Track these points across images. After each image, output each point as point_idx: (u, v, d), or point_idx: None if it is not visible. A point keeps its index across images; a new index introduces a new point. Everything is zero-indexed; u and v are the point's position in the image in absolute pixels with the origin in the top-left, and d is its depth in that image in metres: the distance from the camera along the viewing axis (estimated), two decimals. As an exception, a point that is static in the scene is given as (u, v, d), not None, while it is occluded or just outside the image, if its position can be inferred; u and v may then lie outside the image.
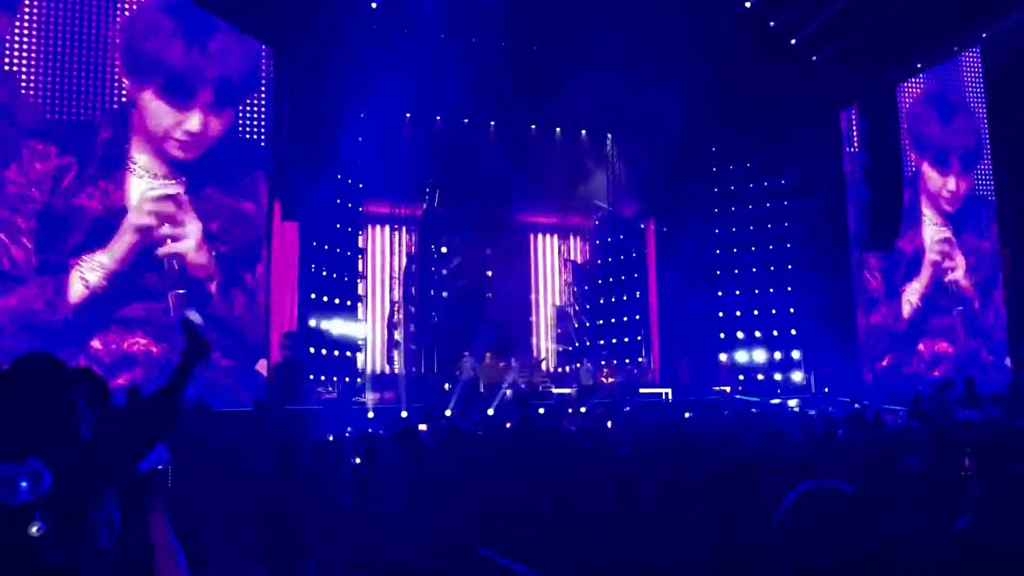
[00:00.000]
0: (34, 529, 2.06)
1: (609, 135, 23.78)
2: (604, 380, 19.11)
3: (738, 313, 21.54)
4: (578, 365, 20.62)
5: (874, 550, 1.85)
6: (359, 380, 18.61)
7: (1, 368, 2.40)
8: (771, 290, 20.87)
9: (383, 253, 22.15)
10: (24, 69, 14.50)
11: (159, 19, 15.36)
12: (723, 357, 20.74)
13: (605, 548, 4.34)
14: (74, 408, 2.37)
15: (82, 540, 2.22)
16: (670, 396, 18.35)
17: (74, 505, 2.19)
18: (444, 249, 22.32)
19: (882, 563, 1.85)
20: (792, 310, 20.43)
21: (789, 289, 20.42)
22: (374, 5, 16.26)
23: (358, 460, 8.30)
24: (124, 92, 14.99)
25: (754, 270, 20.88)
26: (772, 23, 17.73)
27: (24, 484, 2.10)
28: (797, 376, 20.09)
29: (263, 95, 16.04)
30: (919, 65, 19.26)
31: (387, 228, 22.26)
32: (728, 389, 19.31)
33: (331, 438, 11.46)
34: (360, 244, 19.74)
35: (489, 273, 23.08)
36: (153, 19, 15.34)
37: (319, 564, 6.55)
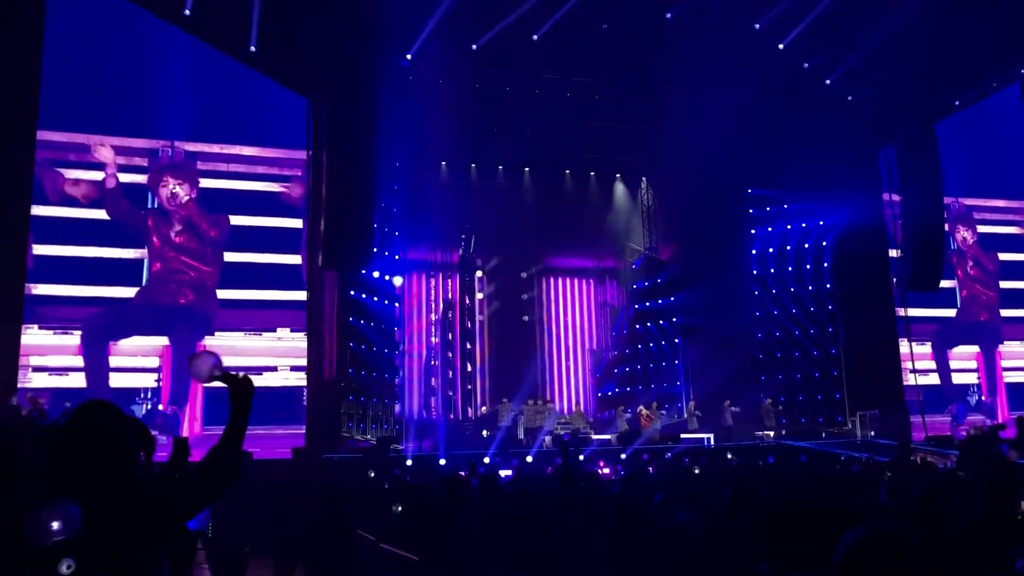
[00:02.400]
0: (64, 567, 2.04)
1: (644, 179, 23.84)
2: (645, 423, 18.90)
3: (779, 354, 21.26)
4: (618, 411, 20.41)
5: None
6: (396, 427, 18.60)
7: (68, 413, 2.43)
8: (811, 331, 20.57)
9: (420, 300, 22.28)
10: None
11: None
12: (769, 402, 20.33)
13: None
14: (133, 458, 2.39)
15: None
16: (712, 441, 18.07)
17: (111, 551, 2.19)
18: (480, 295, 22.40)
19: None
20: (833, 351, 20.09)
21: (830, 330, 20.11)
22: (409, 56, 16.59)
23: (399, 508, 8.29)
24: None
25: (793, 311, 20.61)
26: (806, 64, 17.75)
27: (56, 525, 2.09)
28: (841, 418, 19.69)
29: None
30: (956, 103, 19.09)
31: (424, 275, 22.41)
32: (772, 434, 18.98)
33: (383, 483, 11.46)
34: (397, 291, 19.88)
35: (525, 318, 23.08)
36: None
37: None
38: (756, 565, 2.48)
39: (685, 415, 20.38)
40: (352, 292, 17.40)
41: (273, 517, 9.98)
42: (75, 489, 2.20)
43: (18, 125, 12.62)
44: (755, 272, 22.25)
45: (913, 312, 19.93)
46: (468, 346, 21.62)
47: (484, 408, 21.15)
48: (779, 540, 2.56)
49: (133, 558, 2.22)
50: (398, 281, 19.55)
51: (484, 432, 18.67)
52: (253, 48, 15.52)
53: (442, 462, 14.89)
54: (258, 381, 2.74)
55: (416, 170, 20.52)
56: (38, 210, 15.78)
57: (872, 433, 18.04)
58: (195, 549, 5.36)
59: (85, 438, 2.33)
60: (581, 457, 12.95)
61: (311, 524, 6.90)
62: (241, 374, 2.66)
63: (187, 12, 14.50)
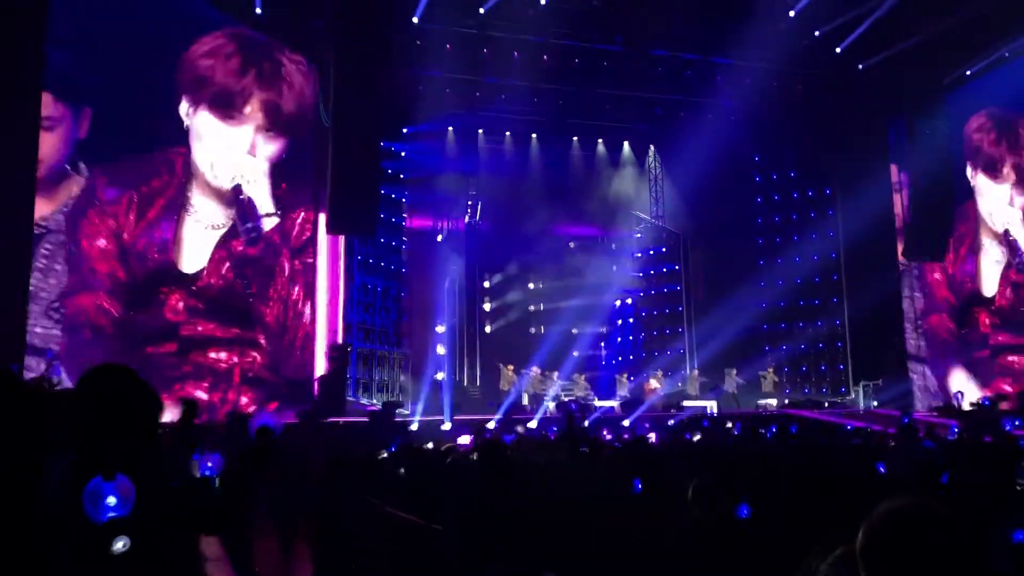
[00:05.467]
0: (119, 545, 2.01)
1: (652, 146, 23.70)
2: (648, 393, 19.01)
3: (783, 324, 21.31)
4: (620, 379, 20.50)
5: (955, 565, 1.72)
6: (400, 393, 18.72)
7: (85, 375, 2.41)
8: (816, 301, 20.58)
9: (426, 266, 22.27)
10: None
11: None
12: (771, 370, 20.46)
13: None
14: (153, 420, 2.39)
15: (159, 560, 2.22)
16: (715, 409, 18.18)
17: (154, 525, 2.18)
18: (487, 262, 22.41)
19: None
20: (838, 322, 20.11)
21: (835, 300, 20.10)
22: (416, 20, 16.43)
23: (402, 471, 8.38)
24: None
25: (798, 280, 20.59)
26: (817, 32, 17.55)
27: (112, 500, 2.07)
28: (844, 389, 19.79)
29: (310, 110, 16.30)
30: (968, 73, 18.89)
31: (430, 241, 22.38)
32: (774, 403, 19.09)
33: (385, 453, 11.57)
34: (404, 257, 19.90)
35: (531, 285, 23.10)
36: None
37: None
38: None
39: (688, 383, 20.48)
40: (359, 257, 17.45)
41: (278, 481, 10.10)
42: (92, 452, 2.21)
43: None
44: (759, 242, 22.26)
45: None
46: (474, 312, 21.67)
47: (485, 375, 21.25)
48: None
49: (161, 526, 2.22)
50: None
51: (489, 398, 18.84)
52: (259, 10, 15.42)
53: (446, 427, 15.03)
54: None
55: (423, 136, 20.44)
56: None
57: (875, 403, 18.13)
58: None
59: (101, 403, 2.33)
60: (586, 423, 13.06)
61: (315, 488, 6.98)
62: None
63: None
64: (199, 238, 14.89)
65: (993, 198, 20.25)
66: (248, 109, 15.40)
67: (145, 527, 2.13)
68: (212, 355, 14.70)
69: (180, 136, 14.79)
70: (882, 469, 6.89)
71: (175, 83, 14.77)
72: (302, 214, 16.07)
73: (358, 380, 17.39)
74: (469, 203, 21.68)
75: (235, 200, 15.21)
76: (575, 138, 22.60)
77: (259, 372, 15.27)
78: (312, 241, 16.30)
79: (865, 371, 19.14)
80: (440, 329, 21.70)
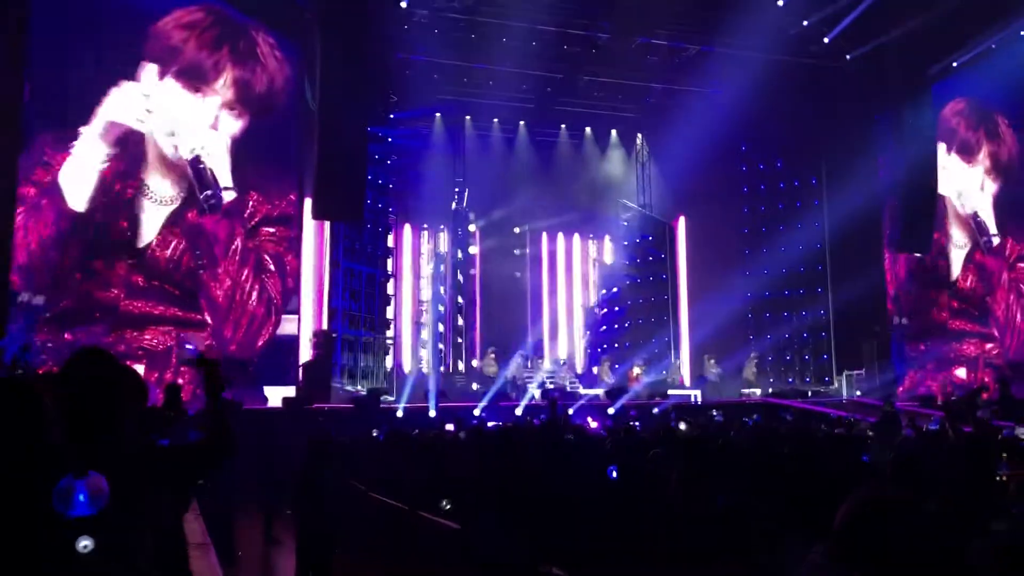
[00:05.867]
0: (81, 544, 2.00)
1: (639, 135, 23.69)
2: (632, 381, 19.05)
3: (768, 314, 21.42)
4: (603, 367, 20.55)
5: (929, 556, 1.83)
6: (386, 380, 18.70)
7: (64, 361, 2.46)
8: (801, 291, 20.67)
9: (412, 253, 22.22)
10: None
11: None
12: (753, 358, 20.63)
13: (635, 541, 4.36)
14: (122, 404, 2.41)
15: (126, 559, 2.18)
16: (699, 398, 18.27)
17: (123, 522, 2.17)
18: (472, 249, 22.38)
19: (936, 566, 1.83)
20: (823, 312, 20.21)
21: (819, 290, 20.20)
22: (404, 4, 16.31)
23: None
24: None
25: (784, 270, 20.66)
26: (805, 22, 17.57)
27: (82, 497, 2.06)
28: (828, 379, 19.93)
29: (292, 94, 16.17)
30: (955, 64, 18.95)
31: (416, 228, 22.32)
32: (758, 391, 19.21)
33: (374, 432, 11.57)
34: (389, 244, 19.83)
35: (517, 274, 23.09)
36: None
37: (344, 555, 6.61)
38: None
39: (672, 371, 20.57)
40: (344, 242, 17.38)
41: (262, 467, 10.10)
42: (73, 435, 2.22)
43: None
44: (745, 231, 22.35)
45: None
46: (460, 300, 21.66)
47: (475, 362, 21.28)
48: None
49: (130, 520, 2.22)
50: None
51: (474, 385, 18.84)
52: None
53: (432, 414, 15.03)
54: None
55: (410, 122, 20.35)
56: None
57: (858, 392, 18.26)
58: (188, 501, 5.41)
59: (82, 386, 2.34)
60: (571, 411, 13.09)
61: (299, 474, 6.97)
62: (214, 365, 2.74)
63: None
64: (150, 214, 14.80)
65: (964, 180, 20.30)
66: (219, 84, 15.31)
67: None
68: (148, 336, 14.57)
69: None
70: (865, 459, 6.94)
71: (140, 53, 14.71)
72: (255, 196, 15.85)
73: (343, 367, 17.35)
74: (456, 189, 21.62)
75: (194, 169, 15.07)
76: (563, 125, 22.55)
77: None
78: (278, 222, 16.06)
79: (849, 361, 19.27)
80: (425, 316, 21.69)
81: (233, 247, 15.44)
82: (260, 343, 15.63)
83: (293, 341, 15.98)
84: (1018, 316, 20.38)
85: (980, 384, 18.21)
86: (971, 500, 3.85)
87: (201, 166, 15.05)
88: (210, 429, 2.63)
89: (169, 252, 14.79)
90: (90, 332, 13.81)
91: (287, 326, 15.93)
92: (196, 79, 15.08)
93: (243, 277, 15.55)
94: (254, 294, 15.66)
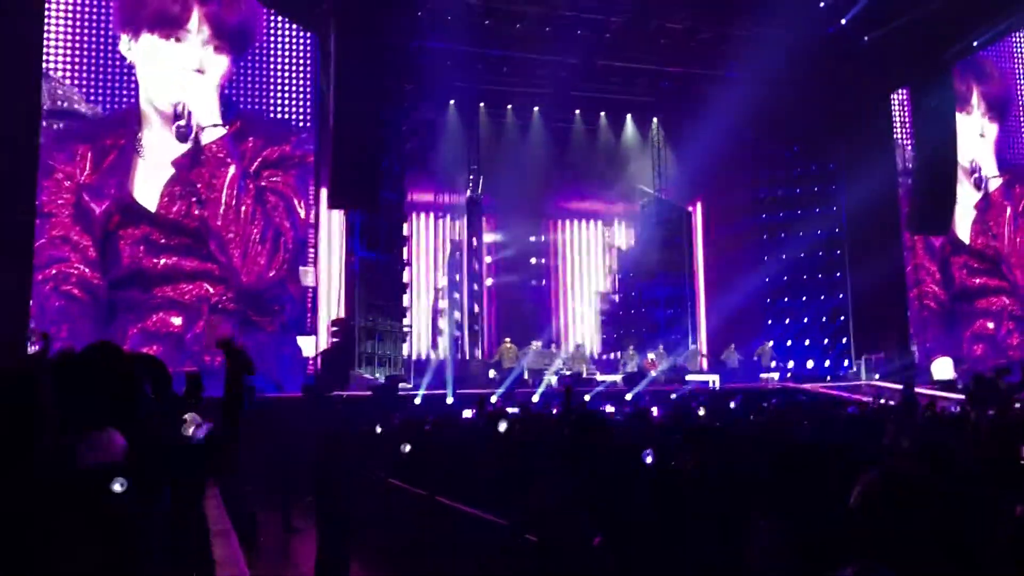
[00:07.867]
0: (117, 485, 2.10)
1: (655, 119, 23.52)
2: (650, 367, 18.99)
3: (786, 299, 21.28)
4: (622, 353, 20.50)
5: (946, 533, 1.81)
6: (403, 367, 18.72)
7: (73, 352, 2.49)
8: (819, 275, 20.52)
9: (427, 241, 22.21)
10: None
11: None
12: (769, 344, 20.50)
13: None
14: (140, 392, 2.45)
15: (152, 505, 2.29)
16: (717, 383, 18.19)
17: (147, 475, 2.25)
18: (488, 237, 22.34)
19: (952, 545, 1.81)
20: (842, 295, 20.07)
21: (838, 275, 20.05)
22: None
23: (407, 448, 8.39)
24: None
25: (802, 255, 20.52)
26: (823, 3, 17.37)
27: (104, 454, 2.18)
28: (847, 362, 19.80)
29: (308, 81, 16.26)
30: (975, 44, 18.68)
31: (431, 216, 22.32)
32: (776, 376, 19.10)
33: (378, 428, 11.59)
34: (405, 232, 19.81)
35: (533, 260, 23.05)
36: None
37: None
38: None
39: (690, 356, 20.49)
40: (360, 231, 17.36)
41: (281, 455, 10.17)
42: (91, 418, 2.25)
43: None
44: (763, 217, 22.18)
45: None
46: (475, 287, 21.64)
47: (496, 352, 21.27)
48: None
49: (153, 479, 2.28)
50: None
51: (491, 373, 18.83)
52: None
53: (449, 401, 15.06)
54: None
55: (424, 109, 20.28)
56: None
57: (877, 376, 18.14)
58: (203, 487, 5.43)
59: (91, 374, 2.37)
60: (587, 398, 13.08)
61: (316, 461, 7.00)
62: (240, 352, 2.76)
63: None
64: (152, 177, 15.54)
65: (962, 132, 20.11)
66: (191, 24, 15.57)
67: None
68: (172, 289, 15.51)
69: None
70: (885, 441, 6.89)
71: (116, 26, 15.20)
72: (252, 140, 16.45)
73: (360, 354, 17.38)
74: (471, 177, 21.57)
75: (173, 116, 15.66)
76: (577, 111, 22.42)
77: (224, 303, 15.95)
78: (278, 165, 16.75)
79: (868, 345, 19.13)
80: (443, 304, 21.69)
81: (230, 186, 15.98)
82: (271, 274, 16.39)
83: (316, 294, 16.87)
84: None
85: (1003, 367, 18.04)
86: (994, 482, 3.81)
87: (178, 109, 15.73)
88: (226, 393, 2.67)
89: (176, 207, 15.66)
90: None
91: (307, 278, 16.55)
92: (169, 25, 15.50)
93: (243, 213, 16.29)
94: (257, 229, 16.49)
